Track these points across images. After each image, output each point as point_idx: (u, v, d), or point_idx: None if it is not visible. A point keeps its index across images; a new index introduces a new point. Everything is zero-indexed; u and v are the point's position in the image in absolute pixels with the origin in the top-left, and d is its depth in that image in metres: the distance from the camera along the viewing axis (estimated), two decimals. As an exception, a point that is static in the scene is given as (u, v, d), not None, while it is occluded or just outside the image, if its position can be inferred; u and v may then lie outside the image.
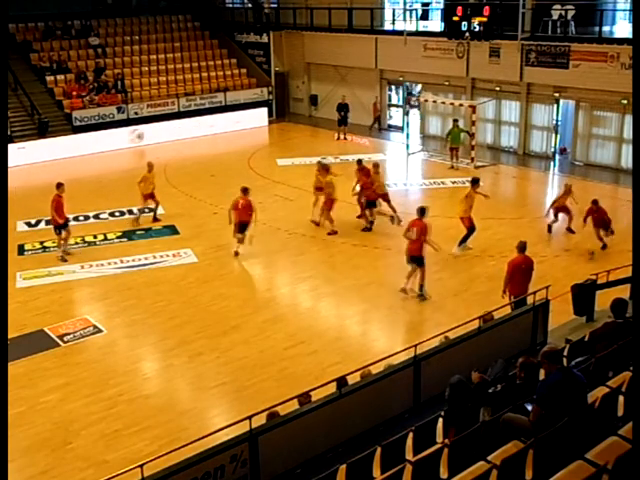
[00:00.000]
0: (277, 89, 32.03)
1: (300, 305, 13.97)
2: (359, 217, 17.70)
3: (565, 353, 8.53)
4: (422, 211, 13.60)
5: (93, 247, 16.87)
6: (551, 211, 16.77)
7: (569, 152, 23.59)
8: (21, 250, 16.61)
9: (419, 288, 13.58)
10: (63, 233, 15.92)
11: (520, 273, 11.42)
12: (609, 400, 6.56)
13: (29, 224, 18.38)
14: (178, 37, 32.73)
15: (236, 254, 15.92)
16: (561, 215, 16.69)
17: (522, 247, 11.62)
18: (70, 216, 18.65)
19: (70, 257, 15.98)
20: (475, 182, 15.94)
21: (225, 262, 16.00)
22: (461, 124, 23.59)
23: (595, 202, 15.56)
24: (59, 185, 15.86)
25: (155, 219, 18.40)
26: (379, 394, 8.40)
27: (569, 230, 16.48)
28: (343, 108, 27.48)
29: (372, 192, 17.32)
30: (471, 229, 15.69)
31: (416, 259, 13.46)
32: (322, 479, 6.44)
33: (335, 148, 25.82)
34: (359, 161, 18.56)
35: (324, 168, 17.81)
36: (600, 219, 15.44)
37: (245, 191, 15.68)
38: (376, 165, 17.87)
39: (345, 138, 27.30)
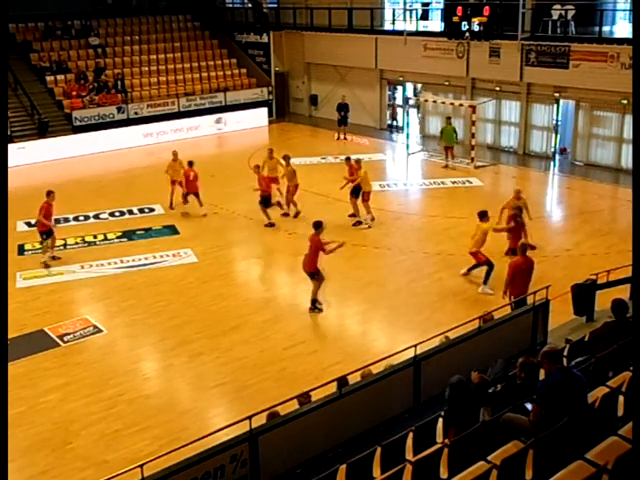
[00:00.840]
0: (277, 89, 32.04)
1: (300, 305, 13.95)
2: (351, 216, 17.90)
3: (565, 353, 8.54)
4: (317, 225, 13.01)
5: (93, 247, 16.87)
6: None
7: (569, 152, 23.58)
8: (21, 250, 16.61)
9: (312, 302, 13.17)
10: (49, 240, 15.81)
11: (521, 274, 11.43)
12: (609, 400, 6.56)
13: (29, 224, 18.33)
14: (178, 37, 32.72)
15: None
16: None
17: (523, 249, 11.64)
18: (70, 216, 18.77)
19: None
20: (483, 215, 13.96)
21: (225, 262, 16.01)
22: (460, 124, 23.61)
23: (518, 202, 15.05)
24: (49, 193, 15.87)
25: (171, 207, 19.30)
26: (379, 394, 8.40)
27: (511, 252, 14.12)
28: (343, 108, 27.47)
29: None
30: (489, 265, 13.76)
31: (310, 274, 13.13)
32: (322, 479, 6.44)
33: (335, 148, 25.81)
34: (347, 158, 18.77)
35: (285, 158, 18.84)
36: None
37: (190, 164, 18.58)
38: (357, 162, 18.11)
39: (345, 138, 27.30)
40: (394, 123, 29.11)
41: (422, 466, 6.16)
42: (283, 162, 18.85)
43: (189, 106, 29.25)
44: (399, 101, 29.15)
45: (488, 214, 14.00)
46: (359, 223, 17.61)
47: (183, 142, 27.38)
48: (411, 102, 27.59)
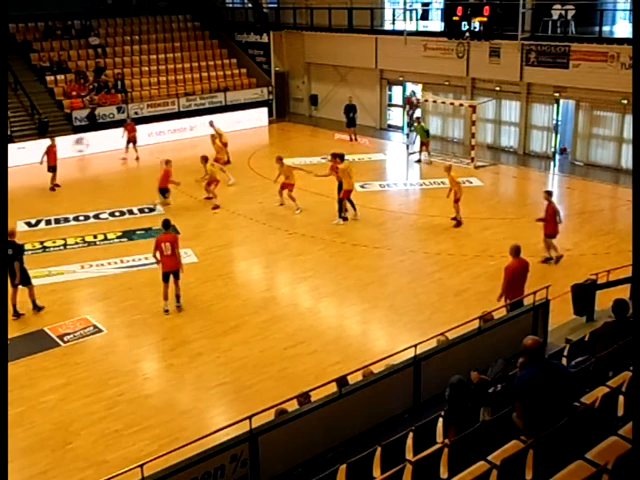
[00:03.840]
0: (277, 89, 32.04)
1: (300, 305, 13.97)
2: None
3: (565, 353, 8.54)
4: (166, 224, 13.57)
5: (93, 247, 16.87)
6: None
7: (569, 152, 23.58)
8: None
9: (176, 299, 13.40)
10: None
11: (517, 277, 11.26)
12: (609, 400, 6.56)
13: (29, 224, 18.39)
14: (178, 37, 32.72)
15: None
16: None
17: (516, 251, 11.36)
18: (70, 216, 18.79)
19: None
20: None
21: (225, 262, 16.01)
22: (460, 124, 23.61)
23: (549, 193, 15.18)
24: (167, 161, 19.44)
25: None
26: (379, 394, 8.41)
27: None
28: (351, 109, 27.38)
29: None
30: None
31: (175, 273, 13.29)
32: (322, 479, 6.44)
33: (335, 148, 25.74)
34: (334, 155, 18.85)
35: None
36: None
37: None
38: (336, 156, 18.35)
39: (355, 139, 27.17)
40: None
41: (422, 466, 6.16)
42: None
43: (189, 106, 29.25)
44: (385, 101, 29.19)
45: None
46: (345, 219, 17.90)
47: (183, 142, 27.40)
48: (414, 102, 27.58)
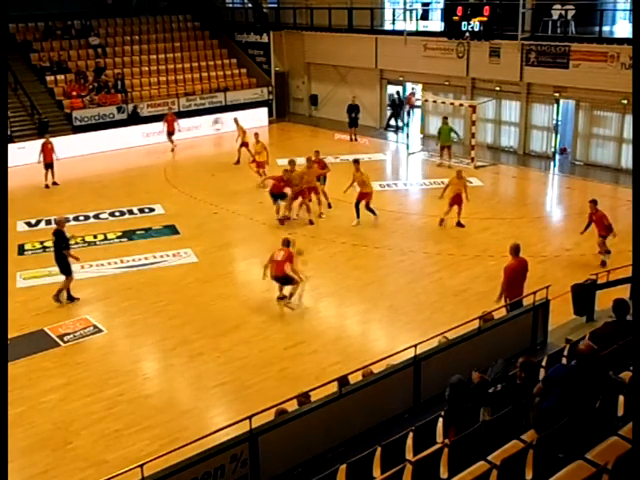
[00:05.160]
0: (277, 89, 32.03)
1: (300, 305, 13.97)
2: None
3: (565, 353, 8.54)
4: (286, 243, 13.31)
5: (93, 247, 16.86)
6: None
7: (569, 152, 23.58)
8: (21, 250, 16.61)
9: (289, 296, 13.23)
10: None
11: (516, 276, 11.25)
12: (609, 400, 6.56)
13: (29, 224, 18.38)
14: (178, 37, 32.71)
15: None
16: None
17: (516, 250, 11.35)
18: (70, 216, 18.77)
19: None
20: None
21: (225, 262, 16.01)
22: (460, 124, 23.61)
23: (594, 202, 15.00)
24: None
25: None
26: (379, 394, 8.40)
27: (459, 225, 17.17)
28: (354, 109, 27.40)
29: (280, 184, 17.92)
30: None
31: (281, 279, 13.12)
32: (322, 479, 6.44)
33: (335, 148, 25.78)
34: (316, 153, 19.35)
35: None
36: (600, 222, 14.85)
37: None
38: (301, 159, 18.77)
39: (356, 139, 27.21)
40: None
41: (422, 466, 6.16)
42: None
43: (189, 106, 29.24)
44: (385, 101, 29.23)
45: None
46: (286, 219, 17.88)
47: (183, 142, 27.39)
48: (417, 102, 27.60)
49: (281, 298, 13.25)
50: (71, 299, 13.86)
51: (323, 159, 19.63)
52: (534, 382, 6.87)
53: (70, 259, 13.79)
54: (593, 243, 15.39)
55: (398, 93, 28.66)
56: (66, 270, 13.78)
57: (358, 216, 17.48)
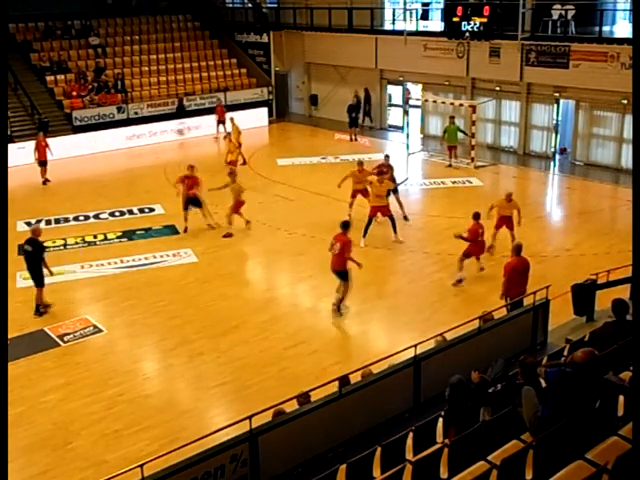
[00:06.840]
0: (277, 89, 32.03)
1: (300, 305, 13.97)
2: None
3: (565, 353, 8.54)
4: (345, 225, 12.94)
5: (93, 247, 16.87)
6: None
7: (569, 152, 23.58)
8: (21, 250, 16.57)
9: (339, 301, 13.03)
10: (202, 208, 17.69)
11: (517, 275, 11.31)
12: (609, 400, 6.56)
13: (29, 224, 18.32)
14: (178, 37, 32.71)
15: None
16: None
17: (518, 249, 11.44)
18: (70, 216, 18.79)
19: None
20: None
21: (225, 262, 16.00)
22: (461, 124, 23.59)
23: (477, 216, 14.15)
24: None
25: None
26: (379, 394, 8.40)
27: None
28: (354, 109, 27.37)
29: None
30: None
31: (339, 273, 13.01)
32: (322, 479, 6.44)
33: (335, 148, 25.81)
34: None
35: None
36: None
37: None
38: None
39: (356, 139, 27.20)
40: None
41: (422, 466, 6.16)
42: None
43: (189, 106, 29.24)
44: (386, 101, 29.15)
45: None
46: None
47: (183, 142, 27.42)
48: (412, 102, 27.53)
49: (337, 309, 13.05)
50: (39, 312, 13.33)
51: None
52: (534, 382, 6.87)
53: (45, 270, 13.27)
54: (593, 243, 15.43)
55: (357, 92, 28.57)
56: (40, 281, 13.34)
57: (365, 235, 16.10)
